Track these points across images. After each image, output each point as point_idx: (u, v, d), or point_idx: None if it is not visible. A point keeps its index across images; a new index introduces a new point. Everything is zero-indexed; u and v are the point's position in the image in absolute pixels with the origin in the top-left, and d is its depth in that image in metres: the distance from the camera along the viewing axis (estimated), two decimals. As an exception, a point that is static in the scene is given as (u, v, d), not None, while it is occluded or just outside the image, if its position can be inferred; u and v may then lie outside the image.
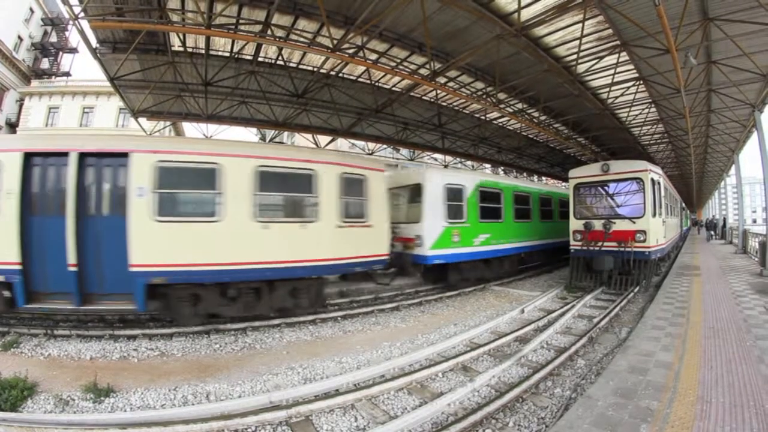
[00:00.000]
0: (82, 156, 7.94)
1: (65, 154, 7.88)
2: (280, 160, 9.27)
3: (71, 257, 7.70)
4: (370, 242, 10.61)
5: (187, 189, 8.48)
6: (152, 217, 7.92)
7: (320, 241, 9.58)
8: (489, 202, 14.10)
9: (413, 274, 13.31)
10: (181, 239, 8.17)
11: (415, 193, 12.57)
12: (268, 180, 8.96)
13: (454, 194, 12.77)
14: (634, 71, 13.32)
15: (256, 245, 8.75)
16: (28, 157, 7.79)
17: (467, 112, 18.46)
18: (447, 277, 13.15)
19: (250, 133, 22.57)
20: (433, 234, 12.09)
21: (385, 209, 11.07)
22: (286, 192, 9.46)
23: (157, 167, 8.03)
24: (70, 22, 9.34)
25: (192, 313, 8.56)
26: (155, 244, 7.95)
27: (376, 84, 14.69)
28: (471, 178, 13.85)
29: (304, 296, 9.68)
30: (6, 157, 7.70)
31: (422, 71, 12.60)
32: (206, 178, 8.40)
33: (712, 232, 33.16)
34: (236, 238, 8.51)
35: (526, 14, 9.41)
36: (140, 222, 7.87)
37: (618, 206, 12.97)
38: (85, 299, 7.83)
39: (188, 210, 8.52)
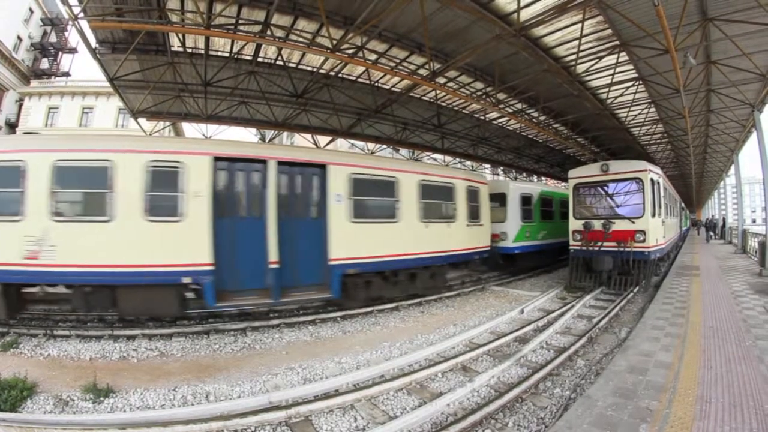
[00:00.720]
0: (279, 164, 9.00)
1: (262, 161, 8.89)
2: (433, 176, 12.24)
3: (273, 255, 8.64)
4: (482, 237, 14.05)
5: (374, 197, 10.65)
6: (348, 219, 9.80)
7: (457, 236, 12.73)
8: (546, 207, 18.03)
9: (497, 261, 16.27)
10: (370, 237, 10.31)
11: (501, 199, 16.03)
12: (427, 190, 11.82)
13: (525, 201, 16.56)
14: (634, 71, 13.32)
15: (420, 240, 11.42)
16: (215, 161, 8.42)
17: (467, 112, 18.45)
18: (516, 263, 16.54)
19: (249, 133, 22.61)
20: (514, 230, 15.90)
21: (488, 212, 14.63)
22: (439, 199, 12.31)
23: (352, 178, 9.99)
24: (70, 23, 9.35)
25: (365, 297, 10.56)
26: (350, 242, 9.78)
27: (376, 84, 14.69)
28: (536, 188, 18.17)
29: (439, 279, 12.59)
30: (192, 160, 8.19)
31: (422, 71, 12.60)
32: (388, 188, 10.95)
33: (711, 233, 32.56)
34: (408, 234, 11.15)
35: (525, 14, 9.41)
36: (338, 223, 9.60)
37: (617, 206, 12.97)
38: (282, 293, 8.78)
39: (375, 213, 10.68)
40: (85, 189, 7.77)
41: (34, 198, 7.39)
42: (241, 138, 15.42)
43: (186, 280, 7.94)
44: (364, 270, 10.07)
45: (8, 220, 7.35)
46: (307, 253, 9.35)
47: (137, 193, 7.78)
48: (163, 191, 7.97)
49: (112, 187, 7.65)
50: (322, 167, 9.62)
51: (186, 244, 7.96)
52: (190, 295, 8.60)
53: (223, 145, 9.15)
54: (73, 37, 37.80)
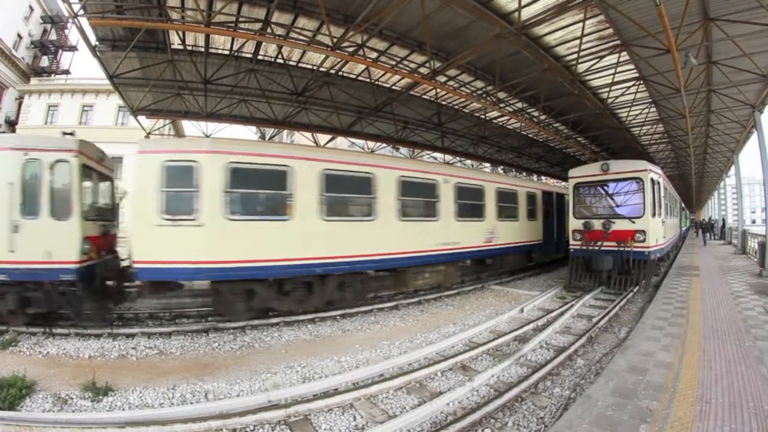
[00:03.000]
0: None
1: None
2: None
3: None
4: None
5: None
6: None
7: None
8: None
9: None
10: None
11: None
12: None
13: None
14: (635, 71, 13.31)
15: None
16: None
17: (467, 111, 18.43)
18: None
19: (250, 132, 22.55)
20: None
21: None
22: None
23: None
24: (70, 20, 9.33)
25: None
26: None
27: (376, 82, 14.66)
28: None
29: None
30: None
31: (422, 70, 12.59)
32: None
33: (708, 234, 31.14)
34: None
35: (526, 13, 9.39)
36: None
37: (617, 206, 12.96)
38: None
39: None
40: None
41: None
42: (239, 137, 15.35)
43: None
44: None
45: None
46: None
47: None
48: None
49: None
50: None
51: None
52: None
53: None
54: (73, 35, 37.89)
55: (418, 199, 11.83)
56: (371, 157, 11.94)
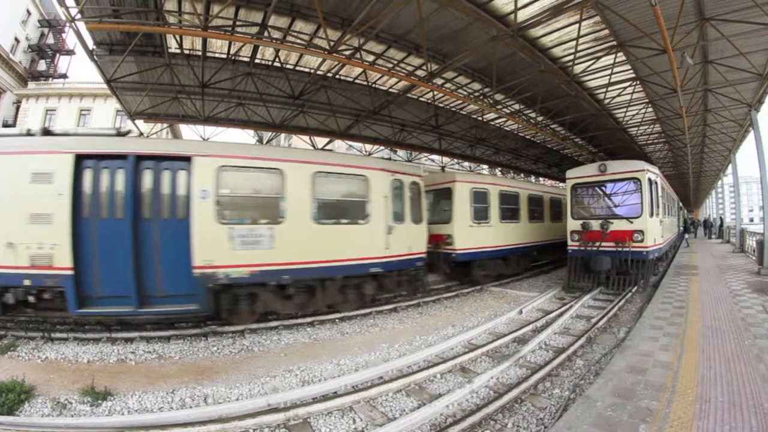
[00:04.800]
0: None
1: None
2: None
3: None
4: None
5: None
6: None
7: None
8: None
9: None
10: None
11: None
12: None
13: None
14: (631, 71, 13.34)
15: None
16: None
17: (464, 113, 18.45)
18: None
19: (247, 135, 22.55)
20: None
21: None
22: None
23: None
24: (67, 24, 9.32)
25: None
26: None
27: (373, 85, 14.69)
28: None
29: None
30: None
31: (419, 73, 12.61)
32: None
33: (686, 235, 28.84)
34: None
35: (522, 15, 9.41)
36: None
37: (615, 206, 12.97)
38: None
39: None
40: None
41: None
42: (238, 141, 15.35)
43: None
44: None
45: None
46: None
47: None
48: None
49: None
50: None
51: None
52: None
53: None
54: (70, 39, 37.74)
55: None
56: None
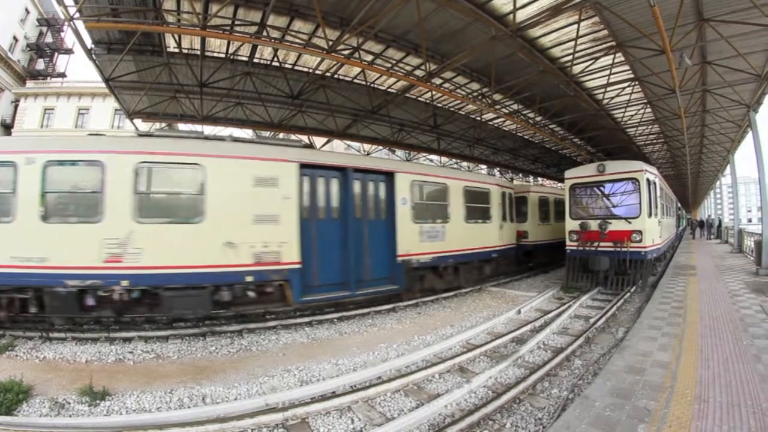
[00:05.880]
0: None
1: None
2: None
3: None
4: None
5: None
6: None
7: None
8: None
9: None
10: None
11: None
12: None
13: None
14: (630, 72, 13.35)
15: None
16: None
17: (463, 113, 18.45)
18: None
19: (245, 135, 22.45)
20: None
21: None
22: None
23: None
24: (66, 23, 9.30)
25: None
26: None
27: (372, 85, 14.67)
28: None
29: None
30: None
31: (418, 72, 12.62)
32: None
33: (703, 231, 31.85)
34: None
35: (521, 15, 9.41)
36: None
37: (614, 206, 13.00)
38: None
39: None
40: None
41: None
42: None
43: None
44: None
45: None
46: None
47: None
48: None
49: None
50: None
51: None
52: None
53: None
54: (69, 38, 37.67)
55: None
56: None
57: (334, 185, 10.17)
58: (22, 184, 7.52)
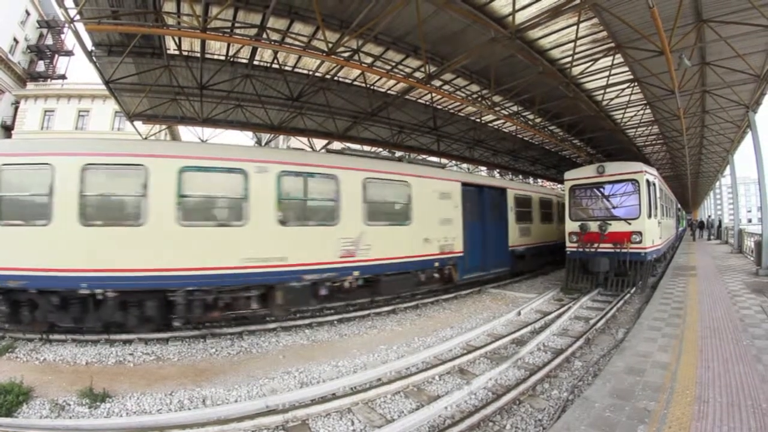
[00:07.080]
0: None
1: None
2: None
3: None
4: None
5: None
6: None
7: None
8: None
9: None
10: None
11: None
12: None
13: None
14: (629, 73, 13.37)
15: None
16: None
17: (462, 115, 18.45)
18: None
19: (245, 137, 22.50)
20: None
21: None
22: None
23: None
24: (66, 25, 9.32)
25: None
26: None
27: (372, 87, 14.69)
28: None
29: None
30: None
31: (417, 74, 12.61)
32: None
33: (702, 232, 32.34)
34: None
35: (520, 17, 9.43)
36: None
37: (613, 207, 13.00)
38: None
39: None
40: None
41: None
42: (240, 142, 15.33)
43: None
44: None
45: None
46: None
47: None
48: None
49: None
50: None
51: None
52: None
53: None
54: (69, 40, 37.69)
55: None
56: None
57: (477, 197, 14.33)
58: (254, 190, 8.69)
